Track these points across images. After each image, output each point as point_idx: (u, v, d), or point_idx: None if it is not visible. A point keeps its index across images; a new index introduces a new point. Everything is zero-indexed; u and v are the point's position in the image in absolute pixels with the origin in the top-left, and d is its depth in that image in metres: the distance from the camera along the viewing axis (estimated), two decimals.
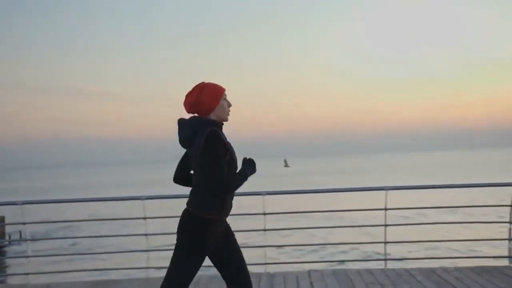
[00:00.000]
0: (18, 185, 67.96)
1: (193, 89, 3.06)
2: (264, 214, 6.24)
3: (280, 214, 7.09)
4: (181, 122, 3.09)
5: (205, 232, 3.00)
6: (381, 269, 6.08)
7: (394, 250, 11.91)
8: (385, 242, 6.41)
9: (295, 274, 5.93)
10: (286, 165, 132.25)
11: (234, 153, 3.09)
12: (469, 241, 8.26)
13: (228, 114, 3.12)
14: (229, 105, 3.12)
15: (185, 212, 3.08)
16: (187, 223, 3.03)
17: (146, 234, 6.21)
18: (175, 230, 3.13)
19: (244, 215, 6.35)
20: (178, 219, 3.12)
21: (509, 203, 6.26)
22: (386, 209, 6.29)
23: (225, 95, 3.10)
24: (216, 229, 3.07)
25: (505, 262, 6.66)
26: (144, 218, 6.19)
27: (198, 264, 3.09)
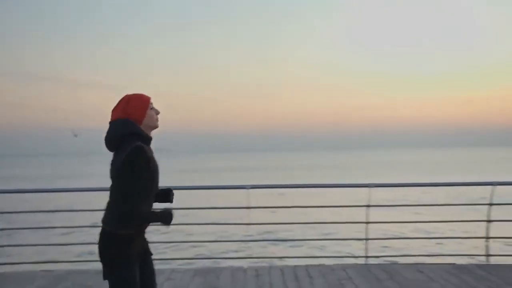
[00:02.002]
0: (16, 173, 67.90)
1: (118, 103, 2.90)
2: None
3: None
4: (112, 123, 2.89)
5: (124, 248, 2.80)
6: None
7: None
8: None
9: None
10: (75, 135, 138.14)
11: (157, 172, 2.89)
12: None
13: (157, 121, 2.98)
14: (157, 112, 2.98)
15: (101, 232, 2.86)
16: (104, 244, 2.83)
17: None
18: None
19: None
20: None
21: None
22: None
23: (152, 103, 2.96)
24: (135, 244, 2.88)
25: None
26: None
27: (134, 276, 2.87)
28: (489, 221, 6.35)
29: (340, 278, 5.53)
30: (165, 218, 2.82)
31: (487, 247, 6.43)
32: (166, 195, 3.15)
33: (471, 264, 6.30)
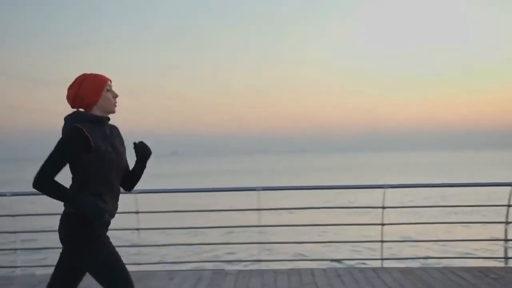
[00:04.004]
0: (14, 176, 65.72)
1: (74, 81, 2.80)
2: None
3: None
4: (64, 118, 2.82)
5: (82, 228, 2.71)
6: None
7: None
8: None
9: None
10: None
11: (110, 154, 2.75)
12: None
13: (115, 106, 2.85)
14: (115, 96, 2.85)
15: (62, 214, 2.78)
16: (66, 226, 2.74)
17: None
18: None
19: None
20: None
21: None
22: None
23: (110, 85, 2.83)
24: (98, 224, 2.74)
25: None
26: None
27: (108, 248, 2.77)
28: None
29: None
30: (80, 204, 2.60)
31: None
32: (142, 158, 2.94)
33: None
